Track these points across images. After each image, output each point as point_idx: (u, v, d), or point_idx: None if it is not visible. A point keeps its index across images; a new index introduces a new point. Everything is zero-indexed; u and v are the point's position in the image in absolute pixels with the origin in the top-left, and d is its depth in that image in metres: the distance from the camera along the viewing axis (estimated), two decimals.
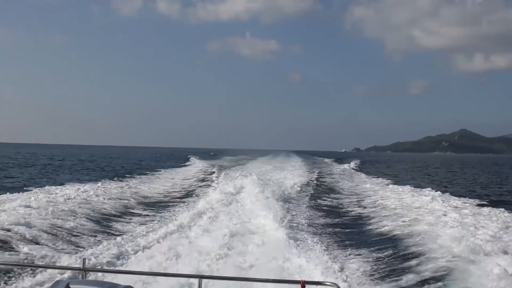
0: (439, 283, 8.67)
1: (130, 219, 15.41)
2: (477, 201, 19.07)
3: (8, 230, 11.13)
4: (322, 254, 10.95)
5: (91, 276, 7.99)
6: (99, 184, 22.81)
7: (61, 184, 22.52)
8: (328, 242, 12.61)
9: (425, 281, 8.86)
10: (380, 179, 33.12)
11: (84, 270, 4.50)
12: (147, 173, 35.06)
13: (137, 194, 21.34)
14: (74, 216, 14.08)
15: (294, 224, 14.39)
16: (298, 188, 24.72)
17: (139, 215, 16.28)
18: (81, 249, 10.91)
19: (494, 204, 18.50)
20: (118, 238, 11.97)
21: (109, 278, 7.82)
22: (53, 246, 10.86)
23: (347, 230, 14.55)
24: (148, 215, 16.25)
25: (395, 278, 9.33)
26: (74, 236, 12.11)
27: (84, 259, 4.69)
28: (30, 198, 16.02)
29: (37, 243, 10.85)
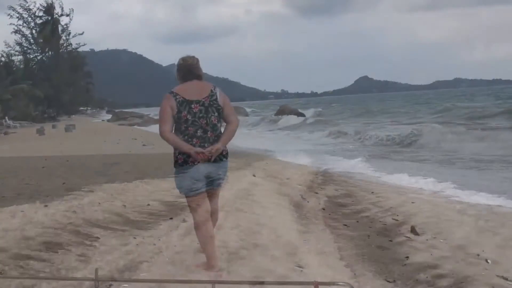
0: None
1: (144, 224, 15.03)
2: None
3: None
4: (335, 254, 10.85)
5: (105, 286, 8.03)
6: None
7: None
8: (342, 241, 12.46)
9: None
10: None
11: (97, 280, 4.45)
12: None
13: (148, 197, 20.84)
14: (86, 223, 13.80)
15: (305, 222, 14.23)
16: None
17: (152, 220, 15.85)
18: (93, 259, 10.79)
19: None
20: (131, 246, 11.77)
21: (123, 287, 7.81)
22: (64, 257, 10.73)
23: (357, 228, 14.28)
24: (160, 218, 15.77)
25: (410, 281, 9.17)
26: (86, 245, 11.93)
27: (96, 269, 4.65)
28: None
29: (49, 253, 10.73)
